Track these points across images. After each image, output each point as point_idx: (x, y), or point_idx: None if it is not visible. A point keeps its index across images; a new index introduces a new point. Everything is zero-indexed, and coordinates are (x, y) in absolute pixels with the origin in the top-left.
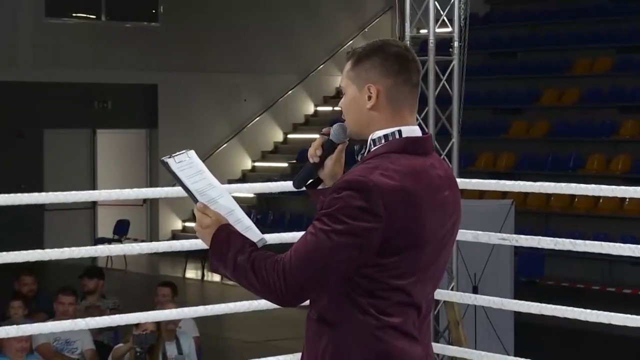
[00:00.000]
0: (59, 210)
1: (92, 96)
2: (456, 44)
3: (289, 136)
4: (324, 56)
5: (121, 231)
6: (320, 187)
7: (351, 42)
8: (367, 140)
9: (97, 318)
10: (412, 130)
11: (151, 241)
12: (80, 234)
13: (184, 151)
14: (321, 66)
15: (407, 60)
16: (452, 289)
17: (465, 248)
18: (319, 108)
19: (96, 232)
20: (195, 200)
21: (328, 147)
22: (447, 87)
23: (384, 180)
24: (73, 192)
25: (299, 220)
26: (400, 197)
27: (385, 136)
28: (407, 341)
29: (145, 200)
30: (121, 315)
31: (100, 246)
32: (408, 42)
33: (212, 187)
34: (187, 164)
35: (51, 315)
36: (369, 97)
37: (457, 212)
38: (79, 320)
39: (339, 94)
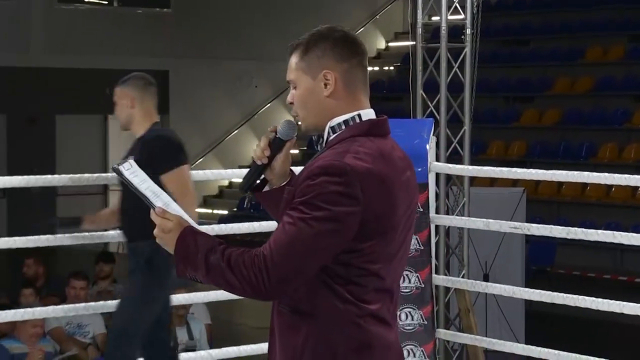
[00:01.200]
0: (71, 195)
1: (103, 82)
2: (468, 31)
3: (300, 123)
4: None
5: None
6: (266, 188)
7: (362, 29)
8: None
9: (110, 302)
10: (370, 114)
11: None
12: None
13: (127, 160)
14: None
15: (355, 43)
16: (462, 277)
17: (476, 236)
18: None
19: None
20: (152, 205)
21: (276, 146)
22: (459, 74)
23: (359, 163)
24: (85, 174)
25: None
26: (375, 180)
27: (345, 121)
28: (383, 327)
29: None
30: None
31: (112, 232)
32: (420, 30)
33: (161, 193)
34: (134, 172)
35: (62, 300)
36: (326, 85)
37: (416, 194)
38: (92, 303)
39: None
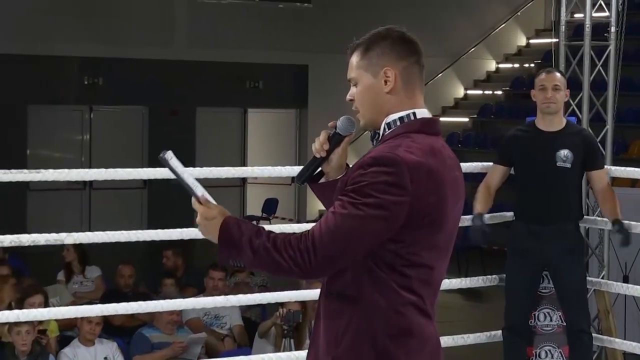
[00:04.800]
0: (210, 188)
1: (244, 76)
2: (613, 29)
3: (439, 119)
4: (474, 40)
5: (269, 210)
6: (322, 180)
7: (503, 25)
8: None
9: (248, 295)
10: (424, 113)
11: (299, 221)
12: (230, 211)
13: (166, 151)
14: (472, 49)
15: (412, 43)
16: (602, 278)
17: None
18: (469, 91)
19: (245, 210)
20: (194, 194)
21: (335, 140)
22: (602, 72)
23: (410, 155)
24: (224, 168)
25: None
26: (424, 173)
27: (401, 118)
28: (424, 318)
29: (293, 179)
30: (271, 292)
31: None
32: (563, 27)
33: (198, 184)
34: (176, 162)
35: (201, 291)
36: (386, 82)
37: (464, 195)
38: (230, 296)
39: (489, 78)
